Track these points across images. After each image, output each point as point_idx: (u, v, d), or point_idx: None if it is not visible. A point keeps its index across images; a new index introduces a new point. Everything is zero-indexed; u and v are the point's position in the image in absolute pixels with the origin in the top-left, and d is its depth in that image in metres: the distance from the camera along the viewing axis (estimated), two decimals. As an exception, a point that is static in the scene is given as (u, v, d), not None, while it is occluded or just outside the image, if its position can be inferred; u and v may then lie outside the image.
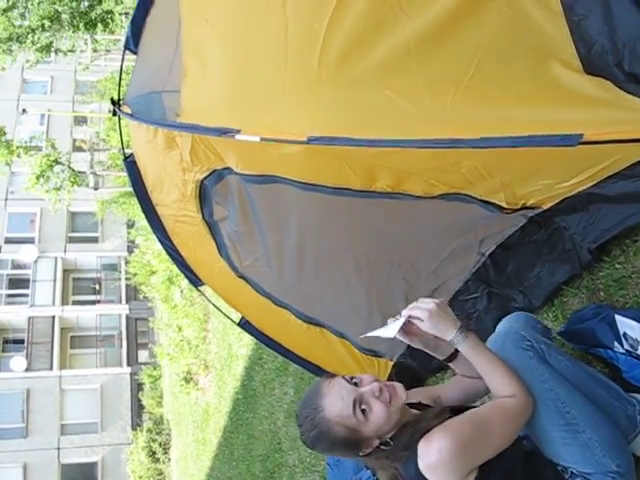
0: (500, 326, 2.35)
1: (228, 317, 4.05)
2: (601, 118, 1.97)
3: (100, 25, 17.79)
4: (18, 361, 24.96)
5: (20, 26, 16.74)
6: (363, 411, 1.93)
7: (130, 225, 24.65)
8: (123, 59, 3.44)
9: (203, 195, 3.09)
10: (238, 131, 2.29)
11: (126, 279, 24.32)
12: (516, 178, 2.22)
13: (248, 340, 8.86)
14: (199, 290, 4.01)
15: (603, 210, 2.31)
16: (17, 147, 14.76)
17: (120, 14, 18.29)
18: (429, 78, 2.14)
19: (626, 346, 2.35)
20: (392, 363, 3.55)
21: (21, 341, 26.02)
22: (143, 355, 26.31)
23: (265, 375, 7.50)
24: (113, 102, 3.21)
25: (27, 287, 26.72)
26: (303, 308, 3.45)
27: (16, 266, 27.35)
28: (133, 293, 25.91)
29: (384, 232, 2.69)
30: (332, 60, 2.23)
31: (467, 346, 2.00)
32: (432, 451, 1.80)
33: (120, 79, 3.48)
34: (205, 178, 2.92)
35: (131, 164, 3.43)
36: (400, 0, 2.30)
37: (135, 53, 3.31)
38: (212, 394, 11.23)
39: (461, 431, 1.86)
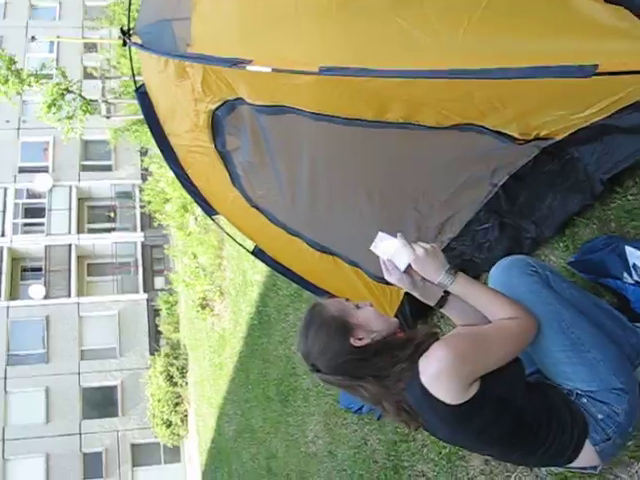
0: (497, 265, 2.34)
1: (242, 246, 4.09)
2: (617, 48, 1.94)
3: None
4: (37, 289, 25.48)
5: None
6: (356, 306, 2.13)
7: (143, 153, 24.54)
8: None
9: (215, 125, 3.08)
10: (250, 62, 2.28)
11: (141, 207, 24.40)
12: (529, 109, 2.20)
13: (262, 267, 8.92)
14: (213, 219, 4.05)
15: (617, 141, 2.29)
16: (28, 76, 14.59)
17: None
18: (442, 7, 2.10)
19: (635, 277, 2.38)
20: (404, 291, 3.59)
21: (39, 269, 26.45)
22: (159, 282, 26.70)
23: (279, 301, 7.62)
24: (123, 32, 3.17)
25: (43, 216, 27.04)
26: (316, 237, 3.48)
27: (31, 195, 27.51)
28: (148, 221, 26.00)
29: (396, 162, 2.69)
30: (345, -11, 2.20)
31: (458, 286, 2.07)
32: (432, 361, 1.89)
33: (129, 8, 3.43)
34: (217, 108, 2.91)
35: (142, 95, 3.41)
36: None
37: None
38: (227, 320, 11.43)
39: (459, 341, 1.97)
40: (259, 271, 9.21)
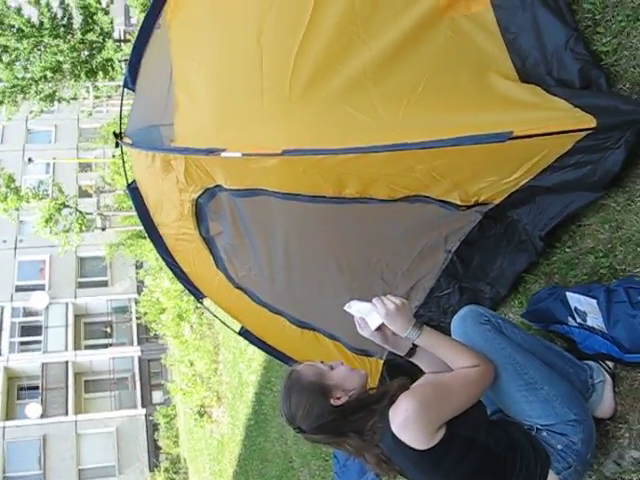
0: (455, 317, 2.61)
1: (229, 327, 4.34)
2: (530, 118, 2.33)
3: (101, 73, 18.34)
4: (33, 408, 25.08)
5: (23, 78, 17.24)
6: (330, 367, 2.35)
7: (138, 266, 24.97)
8: (122, 97, 3.82)
9: (199, 213, 3.42)
10: (223, 150, 2.65)
11: (137, 318, 24.59)
12: (465, 178, 2.56)
13: (257, 366, 9.14)
14: (201, 303, 4.32)
15: (547, 200, 2.64)
16: (25, 193, 15.22)
17: (120, 61, 18.86)
18: (384, 94, 2.50)
19: (578, 319, 2.64)
20: (382, 361, 3.83)
21: (35, 387, 26.15)
22: (157, 396, 26.48)
23: (274, 397, 7.77)
24: (116, 135, 3.58)
25: (39, 334, 26.96)
26: (296, 314, 3.76)
27: (28, 313, 27.58)
28: (144, 334, 26.14)
29: (358, 235, 3.01)
30: (301, 84, 2.61)
31: (423, 339, 2.31)
32: (399, 412, 2.12)
33: (120, 116, 3.86)
34: (199, 197, 3.25)
35: (134, 190, 3.79)
36: (358, 30, 2.69)
37: (133, 91, 3.69)
38: (226, 424, 11.45)
39: (423, 391, 2.20)
40: (254, 371, 9.38)
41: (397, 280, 3.20)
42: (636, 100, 2.38)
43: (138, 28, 3.59)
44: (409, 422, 2.09)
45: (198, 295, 4.12)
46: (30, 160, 26.59)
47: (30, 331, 27.26)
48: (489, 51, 2.65)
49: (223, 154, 2.63)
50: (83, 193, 27.48)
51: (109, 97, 20.38)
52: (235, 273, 3.71)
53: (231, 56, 2.92)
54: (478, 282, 3.13)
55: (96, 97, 19.43)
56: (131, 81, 3.64)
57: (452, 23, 2.70)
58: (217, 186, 3.04)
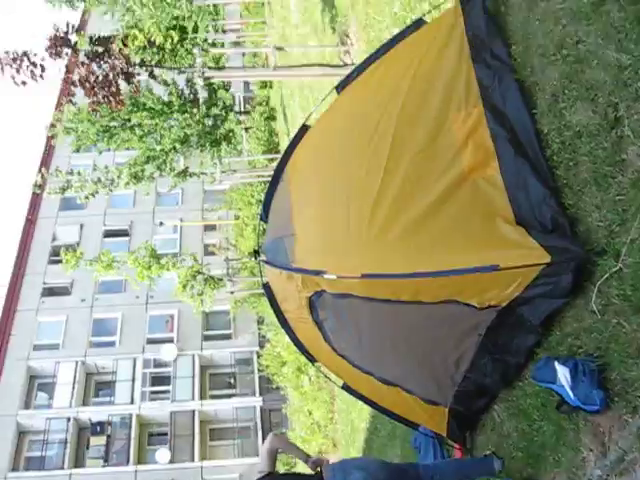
0: None
1: (334, 383, 5.80)
2: (513, 254, 3.74)
3: (224, 143, 20.24)
4: (163, 453, 26.53)
5: (154, 149, 19.25)
6: None
7: (260, 321, 26.22)
8: (259, 228, 5.48)
9: (312, 305, 4.91)
10: (325, 272, 4.19)
11: (259, 370, 25.71)
12: (477, 291, 3.96)
13: (367, 415, 10.37)
14: (315, 365, 5.84)
15: (537, 302, 3.97)
16: (166, 262, 17.20)
17: (241, 130, 20.71)
18: (424, 239, 3.97)
19: (560, 383, 3.91)
20: (447, 409, 5.17)
21: (165, 434, 27.54)
22: (277, 445, 27.14)
23: (380, 442, 9.02)
24: (255, 252, 5.20)
25: (169, 384, 28.47)
26: (380, 374, 5.17)
27: (158, 364, 29.11)
28: (265, 386, 27.10)
29: (416, 324, 4.43)
30: (374, 230, 4.18)
31: None
32: None
33: (258, 240, 5.49)
34: (311, 296, 4.76)
35: (267, 287, 5.41)
36: (412, 191, 4.18)
37: (266, 222, 5.34)
38: (340, 469, 12.56)
39: None
40: (364, 419, 10.58)
41: (447, 353, 4.57)
42: (580, 243, 3.73)
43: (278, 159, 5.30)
44: None
45: (312, 359, 5.65)
46: (161, 224, 28.76)
47: (160, 381, 28.79)
48: (497, 203, 4.06)
49: (325, 275, 4.18)
50: (208, 252, 29.51)
51: (234, 171, 22.31)
52: (337, 345, 5.18)
53: (329, 207, 4.57)
54: (504, 354, 4.44)
55: (223, 171, 21.38)
56: (264, 216, 5.31)
57: (473, 184, 4.16)
58: (322, 290, 4.56)
